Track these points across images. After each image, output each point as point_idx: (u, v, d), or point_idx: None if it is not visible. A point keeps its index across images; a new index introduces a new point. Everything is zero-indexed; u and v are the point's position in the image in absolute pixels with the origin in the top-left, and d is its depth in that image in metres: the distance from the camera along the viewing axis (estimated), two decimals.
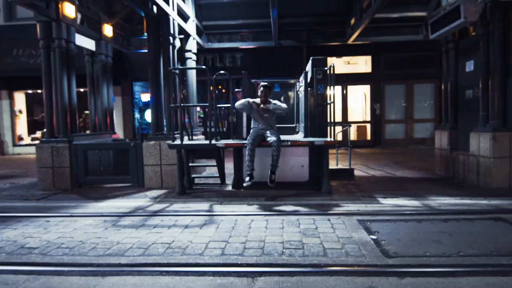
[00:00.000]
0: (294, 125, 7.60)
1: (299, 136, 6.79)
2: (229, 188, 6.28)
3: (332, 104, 5.87)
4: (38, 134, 14.89)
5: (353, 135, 14.60)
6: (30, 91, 14.97)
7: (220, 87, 14.38)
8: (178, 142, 5.73)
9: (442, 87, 8.22)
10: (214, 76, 6.11)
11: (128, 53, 13.87)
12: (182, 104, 5.67)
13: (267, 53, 13.31)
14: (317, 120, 6.09)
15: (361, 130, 14.50)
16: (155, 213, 4.68)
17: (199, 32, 8.99)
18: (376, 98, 14.29)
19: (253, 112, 5.77)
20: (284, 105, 5.69)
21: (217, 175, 6.55)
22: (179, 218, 4.42)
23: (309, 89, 6.12)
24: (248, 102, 5.74)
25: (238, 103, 5.72)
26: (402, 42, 13.17)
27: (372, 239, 3.55)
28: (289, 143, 5.53)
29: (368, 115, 14.46)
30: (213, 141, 5.71)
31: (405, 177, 7.61)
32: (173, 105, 5.83)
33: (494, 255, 3.16)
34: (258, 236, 3.68)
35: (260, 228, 3.94)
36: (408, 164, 9.58)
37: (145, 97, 14.42)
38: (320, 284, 2.67)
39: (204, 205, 5.08)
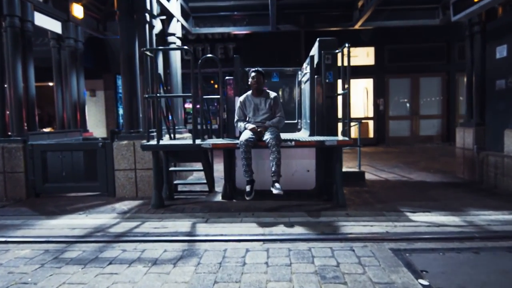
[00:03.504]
0: (295, 121, 6.49)
1: (303, 134, 5.66)
2: (219, 198, 5.14)
3: (346, 95, 4.76)
4: None
5: (353, 132, 13.53)
6: None
7: (212, 82, 13.20)
8: (153, 142, 4.57)
9: (465, 78, 7.14)
10: (199, 61, 4.96)
11: (111, 44, 12.64)
12: (158, 95, 4.51)
13: (261, 43, 12.18)
14: (326, 115, 4.98)
15: (363, 127, 13.37)
16: (117, 238, 3.52)
17: (185, 15, 7.80)
18: (380, 93, 13.24)
19: (246, 106, 4.67)
20: (281, 120, 4.66)
21: (205, 181, 5.42)
22: (148, 246, 3.27)
23: (316, 77, 4.99)
24: (240, 102, 4.69)
25: (236, 112, 4.75)
26: (407, 32, 12.17)
27: (424, 286, 2.43)
28: (292, 143, 4.40)
29: (371, 111, 13.40)
30: (198, 141, 4.57)
31: (423, 181, 6.55)
32: (147, 96, 4.66)
33: None
34: (256, 282, 2.54)
35: (258, 266, 2.80)
36: (419, 165, 8.55)
37: None
38: None
39: (184, 224, 3.94)
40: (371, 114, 13.37)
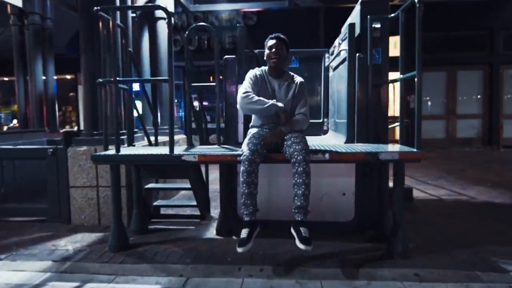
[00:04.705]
0: (320, 120, 4.86)
1: (333, 140, 4.04)
2: (212, 231, 3.55)
3: (416, 82, 3.15)
4: None
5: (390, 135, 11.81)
6: None
7: (212, 78, 11.59)
8: (111, 151, 3.00)
9: None
10: (187, 32, 3.39)
11: None
12: (118, 79, 2.91)
13: (273, 27, 10.63)
14: (372, 112, 3.35)
15: (390, 128, 11.69)
16: None
17: None
18: (410, 89, 11.47)
19: (259, 85, 3.00)
20: (305, 120, 3.02)
21: (195, 203, 3.85)
22: None
23: (358, 55, 3.37)
24: (253, 75, 3.02)
25: (245, 85, 2.97)
26: (442, 18, 10.45)
27: None
28: (326, 156, 2.76)
29: (398, 109, 11.65)
30: (180, 150, 2.98)
31: (490, 202, 4.91)
32: (101, 80, 3.09)
33: None
34: None
35: None
36: (467, 175, 6.93)
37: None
38: None
39: None
40: (398, 113, 11.62)
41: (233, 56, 3.45)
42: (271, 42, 2.95)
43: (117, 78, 2.90)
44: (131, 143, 3.57)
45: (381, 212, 3.38)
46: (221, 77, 3.50)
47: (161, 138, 4.61)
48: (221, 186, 3.42)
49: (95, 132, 3.89)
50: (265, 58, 3.00)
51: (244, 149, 2.66)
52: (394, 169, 2.90)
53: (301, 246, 2.50)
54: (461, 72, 11.40)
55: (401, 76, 3.12)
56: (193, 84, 3.48)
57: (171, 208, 4.30)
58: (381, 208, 3.38)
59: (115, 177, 3.01)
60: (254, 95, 2.84)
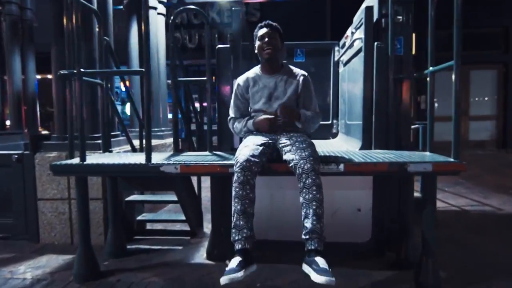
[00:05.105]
0: (329, 122, 4.29)
1: (344, 144, 3.49)
2: (203, 254, 2.99)
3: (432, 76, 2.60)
4: None
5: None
6: None
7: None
8: (75, 160, 2.45)
9: None
10: (172, 16, 2.85)
11: None
12: (82, 70, 2.36)
13: (277, 20, 10.17)
14: (393, 112, 2.79)
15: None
16: None
17: None
18: (421, 89, 10.89)
19: (250, 92, 2.49)
20: (316, 117, 2.49)
21: (184, 218, 3.30)
22: None
23: (376, 44, 2.81)
24: (238, 88, 2.53)
25: (231, 105, 2.58)
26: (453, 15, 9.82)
27: None
28: (341, 167, 2.19)
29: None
30: (159, 159, 2.43)
31: None
32: (63, 72, 2.54)
33: None
34: None
35: None
36: (485, 180, 6.42)
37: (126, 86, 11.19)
38: None
39: None
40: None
41: (227, 45, 2.89)
42: (262, 31, 2.41)
43: (82, 70, 2.35)
44: (107, 149, 3.02)
45: (404, 231, 2.82)
46: (214, 78, 2.96)
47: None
48: (212, 202, 2.86)
49: (67, 136, 3.34)
50: (256, 51, 2.46)
51: (239, 154, 2.10)
52: (424, 183, 2.33)
53: (320, 279, 1.83)
54: (474, 71, 10.81)
55: (431, 68, 2.56)
56: (179, 79, 2.93)
57: (159, 222, 3.75)
58: (404, 226, 2.81)
59: (81, 191, 2.46)
60: (236, 123, 2.53)
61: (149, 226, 3.75)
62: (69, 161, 2.42)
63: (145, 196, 3.56)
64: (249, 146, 2.14)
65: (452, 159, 2.21)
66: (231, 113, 2.55)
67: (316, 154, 2.08)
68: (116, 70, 2.71)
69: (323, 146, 3.39)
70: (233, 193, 2.05)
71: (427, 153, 2.60)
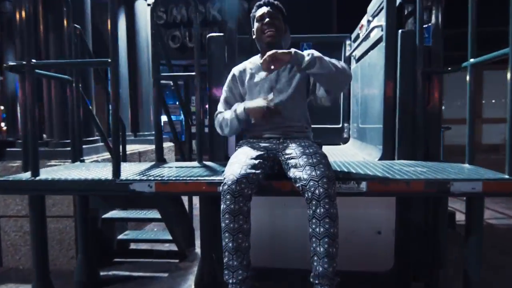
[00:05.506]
0: (339, 125, 3.79)
1: (358, 152, 2.99)
2: (190, 285, 2.50)
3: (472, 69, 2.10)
4: None
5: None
6: None
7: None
8: (25, 174, 1.96)
9: None
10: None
11: (97, 23, 10.29)
12: (34, 61, 1.87)
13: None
14: (421, 114, 2.29)
15: None
16: None
17: None
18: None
19: (246, 85, 1.99)
20: (341, 64, 1.90)
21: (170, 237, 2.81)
22: None
23: (400, 31, 2.32)
24: (231, 79, 2.06)
25: (222, 99, 2.09)
26: (465, 13, 9.35)
27: None
28: (362, 186, 1.68)
29: None
30: (132, 173, 1.94)
31: None
32: (12, 64, 2.04)
33: None
34: None
35: None
36: None
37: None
38: None
39: None
40: None
41: (220, 34, 2.39)
42: (261, 11, 1.91)
43: (33, 61, 1.86)
44: (78, 158, 2.54)
45: (435, 258, 2.32)
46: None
47: (138, 148, 3.60)
48: (201, 223, 2.36)
49: (22, 141, 2.86)
50: (254, 36, 1.98)
51: (227, 172, 1.60)
52: (469, 206, 1.82)
53: None
54: (487, 72, 10.31)
55: (471, 60, 2.06)
56: (163, 74, 2.44)
57: (144, 242, 3.25)
58: (434, 253, 2.32)
59: (35, 213, 1.97)
60: (220, 113, 2.03)
61: (134, 246, 3.27)
62: (17, 176, 1.93)
63: (126, 212, 3.06)
64: (240, 161, 1.63)
65: (506, 176, 1.70)
66: (220, 108, 2.05)
67: (331, 172, 1.57)
68: (74, 61, 2.23)
69: (333, 154, 2.90)
70: (222, 224, 1.56)
71: (466, 165, 2.09)
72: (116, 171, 1.79)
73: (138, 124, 4.64)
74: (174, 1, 8.39)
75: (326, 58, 1.78)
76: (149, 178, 1.79)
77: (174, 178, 1.76)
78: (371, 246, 2.39)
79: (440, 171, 1.87)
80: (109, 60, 1.75)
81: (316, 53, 1.72)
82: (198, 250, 3.11)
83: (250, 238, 1.60)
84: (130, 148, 4.00)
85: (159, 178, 1.76)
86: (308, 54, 1.70)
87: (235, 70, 2.06)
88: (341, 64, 1.83)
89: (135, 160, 3.79)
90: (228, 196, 1.52)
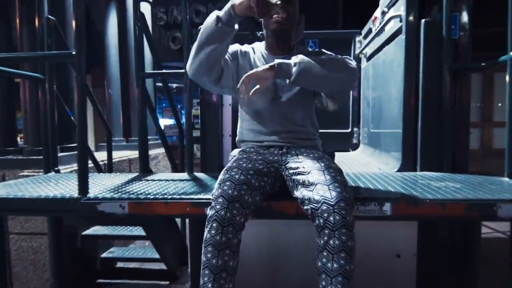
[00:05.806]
0: (348, 130, 3.45)
1: (372, 160, 2.65)
2: None
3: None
4: None
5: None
6: None
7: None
8: None
9: None
10: None
11: (98, 25, 10.03)
12: None
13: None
14: (448, 117, 1.96)
15: None
16: None
17: None
18: None
19: (248, 66, 1.61)
20: (352, 63, 1.56)
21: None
22: None
23: (424, 21, 1.99)
24: (238, 51, 1.66)
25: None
26: (475, 13, 9.01)
27: None
28: (386, 208, 1.34)
29: None
30: (102, 189, 1.62)
31: None
32: None
33: None
34: None
35: None
36: None
37: None
38: None
39: None
40: None
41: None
42: None
43: None
44: (52, 168, 2.21)
45: (465, 286, 1.98)
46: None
47: (129, 154, 3.28)
48: (191, 245, 2.03)
49: (8, 149, 2.55)
50: (257, 13, 1.59)
51: (216, 193, 1.26)
52: None
53: None
54: (498, 73, 9.95)
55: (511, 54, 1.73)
56: (147, 72, 2.13)
57: (131, 261, 2.92)
58: (463, 280, 1.97)
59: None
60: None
61: (121, 264, 2.94)
62: None
63: (110, 228, 2.73)
64: (233, 178, 1.29)
65: None
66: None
67: (350, 193, 1.22)
68: (31, 54, 1.91)
69: (342, 163, 2.56)
70: (203, 258, 1.22)
71: (506, 179, 1.76)
72: (83, 187, 1.45)
73: (130, 129, 4.31)
74: (174, 2, 8.10)
75: (323, 56, 1.46)
76: (123, 196, 1.45)
77: (152, 197, 1.42)
78: (389, 272, 2.05)
79: (477, 188, 1.53)
80: (74, 53, 1.42)
81: (305, 60, 1.38)
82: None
83: (235, 278, 1.26)
84: (120, 154, 3.68)
85: (134, 197, 1.43)
86: (294, 63, 1.37)
87: (239, 47, 1.69)
88: (342, 59, 1.50)
89: (124, 169, 3.46)
90: (214, 225, 1.18)
